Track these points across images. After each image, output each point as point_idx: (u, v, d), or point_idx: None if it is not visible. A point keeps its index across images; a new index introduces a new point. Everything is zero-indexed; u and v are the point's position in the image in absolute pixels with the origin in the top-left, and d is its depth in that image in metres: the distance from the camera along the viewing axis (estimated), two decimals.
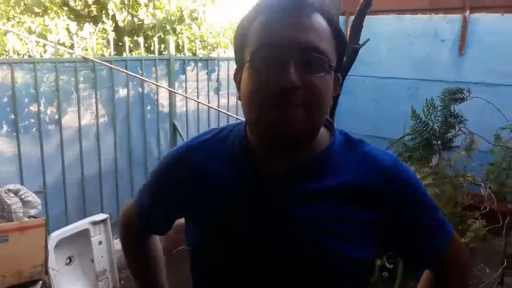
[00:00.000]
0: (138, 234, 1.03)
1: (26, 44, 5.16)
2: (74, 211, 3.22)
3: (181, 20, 5.18)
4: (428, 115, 2.22)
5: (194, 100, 4.01)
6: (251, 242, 0.77)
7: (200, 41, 4.94)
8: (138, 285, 1.08)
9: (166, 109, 3.91)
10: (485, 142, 2.37)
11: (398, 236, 0.81)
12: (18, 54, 5.15)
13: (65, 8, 5.74)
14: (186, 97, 3.97)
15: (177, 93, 3.84)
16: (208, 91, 4.28)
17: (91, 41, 4.47)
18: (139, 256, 1.06)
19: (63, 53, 4.61)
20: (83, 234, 2.80)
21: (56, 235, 2.61)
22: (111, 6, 5.27)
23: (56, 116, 3.10)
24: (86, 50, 5.43)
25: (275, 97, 0.70)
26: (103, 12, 5.56)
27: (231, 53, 4.60)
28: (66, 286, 2.66)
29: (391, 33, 4.34)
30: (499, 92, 3.66)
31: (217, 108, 4.19)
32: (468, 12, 4.00)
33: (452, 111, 2.21)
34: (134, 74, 3.44)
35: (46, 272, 2.37)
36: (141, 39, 3.81)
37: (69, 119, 3.22)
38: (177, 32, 5.37)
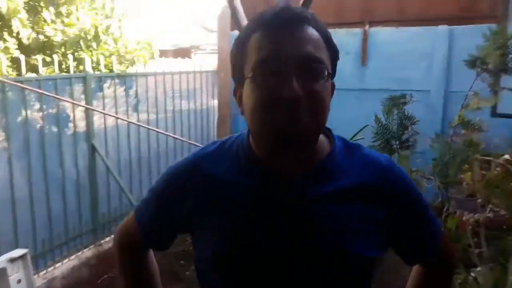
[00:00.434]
0: (139, 251, 1.02)
1: None
2: None
3: (96, 36, 5.02)
4: (388, 118, 2.42)
5: (114, 116, 3.92)
6: (272, 245, 0.79)
7: (116, 57, 4.84)
8: None
9: (83, 129, 3.76)
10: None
11: (401, 231, 0.86)
12: None
13: None
14: (105, 114, 3.87)
15: (96, 110, 3.73)
16: (127, 108, 4.21)
17: None
18: (138, 273, 1.04)
19: None
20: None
21: None
22: (15, 23, 4.96)
23: None
24: None
25: (281, 107, 0.73)
26: (6, 29, 5.21)
27: (149, 68, 4.56)
28: None
29: None
30: None
31: (137, 123, 4.13)
32: (367, 26, 4.40)
33: (406, 114, 2.46)
34: (49, 94, 3.29)
35: None
36: (55, 57, 3.65)
37: None
38: (91, 49, 5.20)
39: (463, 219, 2.28)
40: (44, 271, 3.36)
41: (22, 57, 3.37)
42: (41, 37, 5.29)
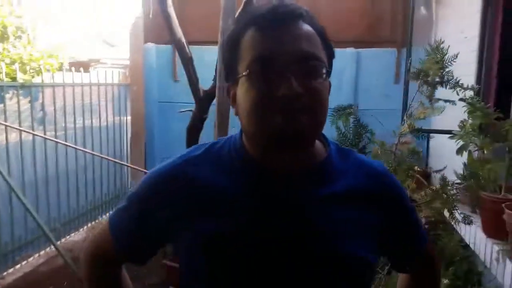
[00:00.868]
0: (112, 265, 0.93)
1: None
2: None
3: (3, 38, 4.43)
4: (346, 127, 2.52)
5: (18, 129, 3.52)
6: (270, 247, 0.76)
7: (19, 65, 4.32)
8: None
9: None
10: None
11: (393, 235, 0.86)
12: None
13: None
14: (7, 126, 3.45)
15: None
16: (32, 121, 3.83)
17: None
18: None
19: None
20: None
21: None
22: None
23: None
24: None
25: (279, 105, 0.70)
26: None
27: (58, 79, 4.21)
28: None
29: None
30: None
31: (45, 136, 3.76)
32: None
33: (361, 122, 2.59)
34: None
35: None
36: None
37: None
38: None
39: None
40: None
41: None
42: None
